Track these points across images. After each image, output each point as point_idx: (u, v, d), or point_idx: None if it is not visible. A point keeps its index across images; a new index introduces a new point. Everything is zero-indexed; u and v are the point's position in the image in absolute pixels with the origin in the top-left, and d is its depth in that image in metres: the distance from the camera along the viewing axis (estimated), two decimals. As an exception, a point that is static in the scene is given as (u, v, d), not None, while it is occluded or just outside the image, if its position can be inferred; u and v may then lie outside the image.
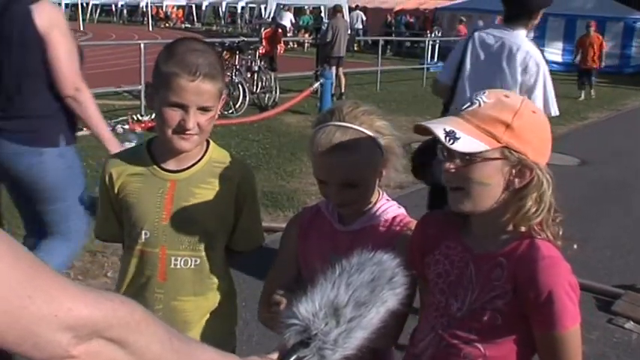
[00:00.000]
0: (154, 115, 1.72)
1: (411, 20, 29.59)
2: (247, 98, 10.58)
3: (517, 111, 1.29)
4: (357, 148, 1.45)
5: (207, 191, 1.68)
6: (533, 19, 3.31)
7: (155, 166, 1.68)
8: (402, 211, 1.60)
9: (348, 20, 20.03)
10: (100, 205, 1.81)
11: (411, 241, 1.50)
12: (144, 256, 1.69)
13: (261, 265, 1.85)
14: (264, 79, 11.62)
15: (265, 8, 28.72)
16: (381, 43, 16.78)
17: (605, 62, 15.88)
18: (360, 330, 1.00)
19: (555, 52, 20.81)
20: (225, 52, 10.97)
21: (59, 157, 2.87)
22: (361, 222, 1.56)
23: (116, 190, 1.71)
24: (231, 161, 1.74)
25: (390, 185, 5.23)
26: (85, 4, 37.84)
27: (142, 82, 9.39)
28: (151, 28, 34.03)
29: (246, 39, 13.56)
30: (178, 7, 43.50)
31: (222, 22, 39.52)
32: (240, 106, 10.39)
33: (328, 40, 12.70)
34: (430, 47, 19.07)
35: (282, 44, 16.64)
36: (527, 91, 3.19)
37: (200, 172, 1.69)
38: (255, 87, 11.50)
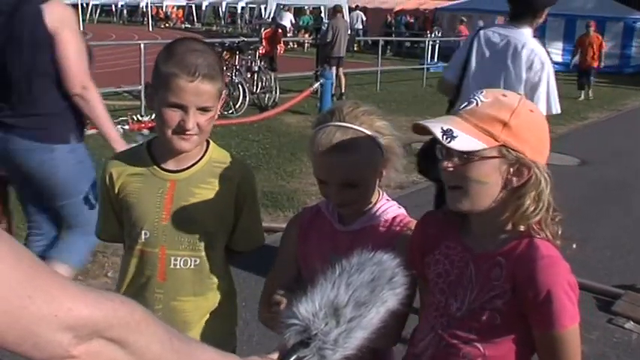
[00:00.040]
0: (154, 116, 1.72)
1: (411, 20, 29.58)
2: (247, 98, 10.58)
3: (515, 110, 1.29)
4: (357, 148, 1.45)
5: (207, 191, 1.68)
6: (538, 17, 3.34)
7: (155, 166, 1.68)
8: (402, 211, 1.60)
9: (348, 20, 20.03)
10: (101, 205, 1.82)
11: (410, 240, 1.50)
12: (144, 256, 1.69)
13: (261, 265, 1.85)
14: (264, 79, 11.63)
15: (265, 8, 28.72)
16: (381, 43, 16.78)
17: (604, 62, 15.87)
18: (360, 330, 1.00)
19: (555, 52, 20.79)
20: (225, 53, 10.98)
21: (70, 153, 2.93)
22: (361, 222, 1.56)
23: (116, 190, 1.71)
24: (231, 161, 1.74)
25: (390, 185, 5.23)
26: (85, 4, 37.79)
27: (142, 82, 9.39)
28: (151, 29, 34.03)
29: (246, 39, 13.57)
30: (178, 7, 43.50)
31: (222, 22, 39.51)
32: (240, 107, 10.39)
33: (328, 40, 12.70)
34: (430, 47, 19.08)
35: (282, 44, 16.65)
36: (532, 88, 3.22)
37: (200, 172, 1.69)
38: (255, 87, 11.51)
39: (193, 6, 42.65)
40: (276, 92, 11.35)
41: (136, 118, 8.91)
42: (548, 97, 3.24)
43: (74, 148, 2.94)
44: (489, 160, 1.29)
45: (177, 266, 1.68)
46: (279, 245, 1.71)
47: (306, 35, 26.51)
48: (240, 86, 10.51)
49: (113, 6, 45.24)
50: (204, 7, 41.63)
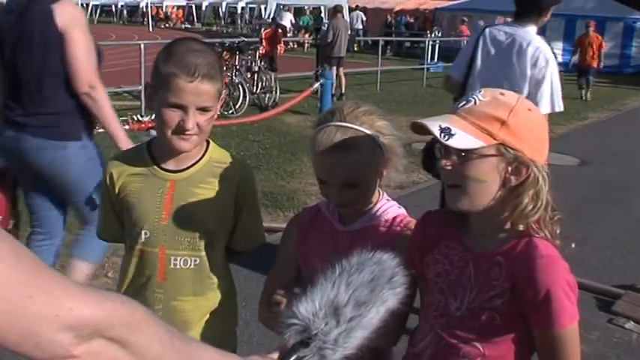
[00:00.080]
0: (154, 116, 1.73)
1: (411, 20, 29.58)
2: (247, 98, 10.58)
3: (512, 108, 1.30)
4: (357, 148, 1.45)
5: (207, 191, 1.68)
6: (543, 15, 3.37)
7: (155, 167, 1.69)
8: (403, 211, 1.60)
9: (348, 20, 20.03)
10: (102, 205, 1.82)
11: (410, 240, 1.50)
12: (144, 255, 1.69)
13: (261, 265, 1.85)
14: (265, 79, 11.63)
15: (265, 8, 28.73)
16: (381, 43, 16.78)
17: (604, 62, 15.86)
18: (360, 329, 1.00)
19: (555, 52, 20.76)
20: (225, 53, 10.98)
21: (82, 150, 2.96)
22: (362, 222, 1.56)
23: (117, 191, 1.71)
24: (231, 161, 1.74)
25: (390, 185, 5.23)
26: (85, 5, 37.78)
27: (142, 82, 9.39)
28: (151, 29, 34.01)
29: (246, 39, 13.56)
30: (178, 7, 43.49)
31: (222, 22, 39.50)
32: (240, 107, 10.39)
33: (329, 40, 12.70)
34: (430, 47, 19.09)
35: (282, 44, 16.66)
36: (536, 84, 3.24)
37: (200, 172, 1.69)
38: (255, 87, 11.51)
39: (193, 6, 42.64)
40: (276, 92, 11.35)
41: (136, 119, 8.91)
42: (551, 94, 3.26)
43: (85, 145, 2.97)
44: (487, 159, 1.29)
45: (177, 266, 1.68)
46: (279, 245, 1.71)
47: (306, 35, 26.50)
48: (240, 86, 10.51)
49: (113, 6, 45.21)
50: (204, 8, 41.62)
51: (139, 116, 9.05)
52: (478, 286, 1.35)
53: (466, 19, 22.35)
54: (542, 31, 3.45)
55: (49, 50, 2.82)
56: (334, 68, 12.55)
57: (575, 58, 15.59)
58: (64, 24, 2.81)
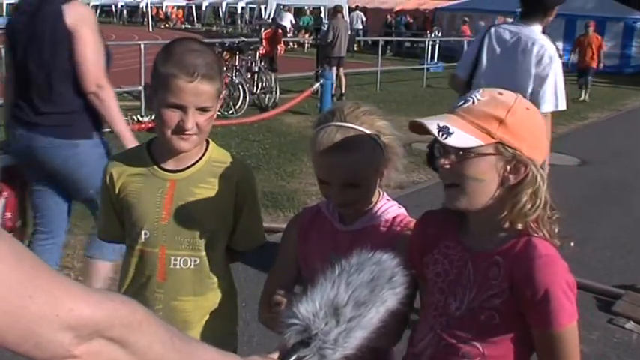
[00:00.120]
0: (154, 116, 1.73)
1: (411, 20, 29.58)
2: (247, 99, 10.58)
3: (510, 107, 1.30)
4: (358, 148, 1.45)
5: (206, 191, 1.68)
6: (548, 15, 3.41)
7: (155, 167, 1.69)
8: (403, 211, 1.60)
9: (348, 20, 20.04)
10: (102, 205, 1.82)
11: (410, 240, 1.50)
12: (144, 255, 1.69)
13: (261, 265, 1.85)
14: (265, 79, 11.63)
15: (265, 9, 28.73)
16: (381, 43, 16.77)
17: (604, 62, 15.85)
18: (360, 329, 1.00)
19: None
20: (225, 53, 10.98)
21: (93, 148, 2.98)
22: (362, 222, 1.56)
23: (117, 191, 1.71)
24: (231, 161, 1.74)
25: (390, 185, 5.23)
26: (85, 5, 37.74)
27: (142, 82, 9.38)
28: (151, 29, 34.00)
29: (246, 39, 13.58)
30: (178, 7, 43.49)
31: (222, 22, 39.48)
32: (240, 107, 10.39)
33: (329, 40, 12.71)
34: (430, 47, 19.08)
35: (282, 45, 16.67)
36: (539, 82, 3.26)
37: (200, 172, 1.69)
38: (255, 87, 11.51)
39: (193, 6, 42.64)
40: (276, 92, 11.35)
41: (136, 119, 8.91)
42: (555, 92, 3.27)
43: (97, 143, 3.00)
44: (486, 158, 1.29)
45: (177, 266, 1.68)
46: (279, 245, 1.71)
47: (306, 35, 26.50)
48: (240, 86, 10.51)
49: (113, 6, 45.21)
50: (204, 8, 41.62)
51: (139, 116, 9.05)
52: (477, 285, 1.36)
53: (467, 19, 22.36)
54: (542, 31, 3.47)
55: (59, 49, 2.84)
56: (334, 68, 12.56)
57: (573, 58, 15.57)
58: (74, 23, 2.84)
